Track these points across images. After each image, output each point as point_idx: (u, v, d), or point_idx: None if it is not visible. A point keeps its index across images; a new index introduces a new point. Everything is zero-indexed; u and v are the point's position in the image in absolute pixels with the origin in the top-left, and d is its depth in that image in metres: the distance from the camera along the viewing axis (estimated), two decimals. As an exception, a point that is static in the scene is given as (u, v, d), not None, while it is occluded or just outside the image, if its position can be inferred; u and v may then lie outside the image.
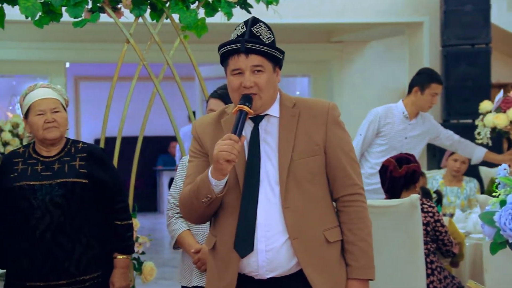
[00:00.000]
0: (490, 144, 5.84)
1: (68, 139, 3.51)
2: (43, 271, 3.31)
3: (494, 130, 5.81)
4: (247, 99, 2.64)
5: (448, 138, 5.78)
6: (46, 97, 3.41)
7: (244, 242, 2.63)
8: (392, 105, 5.60)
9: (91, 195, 3.38)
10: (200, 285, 3.46)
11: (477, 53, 8.42)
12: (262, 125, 2.72)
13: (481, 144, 5.88)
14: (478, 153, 5.86)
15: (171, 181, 12.63)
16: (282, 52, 2.72)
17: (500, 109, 5.81)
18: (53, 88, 3.47)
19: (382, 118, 5.47)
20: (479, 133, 5.83)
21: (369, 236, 2.73)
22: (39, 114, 3.38)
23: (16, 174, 3.38)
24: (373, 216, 4.32)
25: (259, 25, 2.68)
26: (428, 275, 4.50)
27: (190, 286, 3.51)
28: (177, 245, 3.55)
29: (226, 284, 2.67)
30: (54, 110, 3.39)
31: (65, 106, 3.48)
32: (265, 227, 2.63)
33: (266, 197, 2.65)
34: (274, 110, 2.73)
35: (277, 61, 2.70)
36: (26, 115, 3.44)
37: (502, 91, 6.05)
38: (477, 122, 5.93)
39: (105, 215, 3.46)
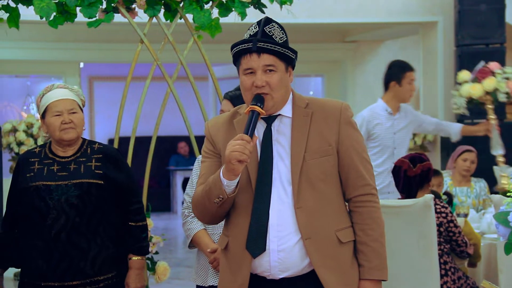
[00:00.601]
0: (467, 113, 5.99)
1: (84, 139, 3.51)
2: (59, 271, 3.32)
3: (471, 101, 5.86)
4: (259, 99, 2.64)
5: (430, 124, 5.91)
6: (63, 98, 3.42)
7: (256, 242, 2.63)
8: (373, 105, 5.65)
9: (107, 196, 3.39)
10: (215, 284, 3.46)
11: (491, 53, 8.37)
12: (275, 125, 2.72)
13: (460, 119, 5.97)
14: (455, 129, 5.99)
15: (184, 181, 12.64)
16: (295, 52, 2.71)
17: (477, 79, 5.85)
18: (70, 89, 3.48)
19: (370, 121, 5.55)
20: (455, 103, 5.91)
21: (381, 237, 2.71)
22: (56, 115, 3.39)
23: (32, 174, 3.40)
24: (386, 216, 4.32)
25: (272, 25, 2.68)
26: (442, 276, 4.49)
27: (206, 286, 3.51)
28: (193, 244, 3.55)
29: (238, 285, 2.67)
30: (71, 111, 3.41)
31: (81, 106, 3.49)
32: (277, 227, 2.63)
33: (279, 197, 2.65)
34: (286, 110, 2.72)
35: (289, 61, 2.70)
36: (43, 115, 3.45)
37: (482, 62, 6.08)
38: (453, 91, 5.98)
39: (120, 216, 3.46)
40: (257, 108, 2.61)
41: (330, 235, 2.65)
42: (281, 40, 2.67)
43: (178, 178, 13.03)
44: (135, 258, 3.50)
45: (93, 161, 3.41)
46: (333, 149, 2.69)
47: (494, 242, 4.95)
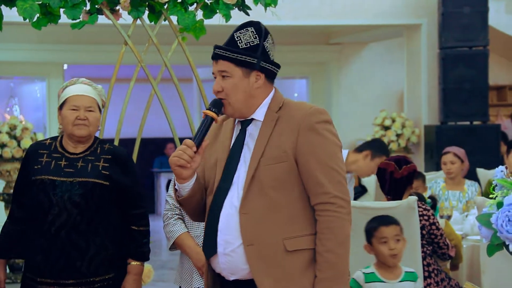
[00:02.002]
0: None
1: (96, 138, 3.51)
2: (55, 269, 3.31)
3: None
4: (215, 104, 2.69)
5: None
6: (83, 94, 3.41)
7: (209, 244, 2.69)
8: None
9: (110, 197, 3.37)
10: (201, 287, 3.46)
11: (474, 55, 8.43)
12: (249, 129, 2.73)
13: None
14: None
15: (168, 182, 12.61)
16: (256, 57, 2.67)
17: None
18: (94, 87, 3.47)
19: None
20: None
21: (338, 247, 2.59)
22: (73, 109, 3.39)
23: (39, 166, 3.39)
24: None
25: (246, 29, 2.70)
26: (425, 278, 4.51)
27: None
28: (174, 246, 3.55)
29: (205, 282, 2.80)
30: (88, 109, 3.40)
31: (101, 107, 3.49)
32: (224, 231, 2.65)
33: (231, 201, 2.67)
34: (259, 114, 2.72)
35: (251, 66, 2.68)
36: (60, 107, 3.44)
37: None
38: None
39: (122, 219, 3.44)
40: (210, 113, 2.66)
41: (276, 243, 2.61)
42: (247, 45, 2.67)
43: (163, 180, 13.00)
44: (134, 263, 3.47)
45: (101, 161, 3.40)
46: (287, 156, 2.63)
47: (477, 244, 4.98)
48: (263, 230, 2.61)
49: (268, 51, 2.71)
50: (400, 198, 4.58)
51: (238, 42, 2.68)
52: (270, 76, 2.74)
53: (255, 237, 2.61)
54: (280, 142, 2.65)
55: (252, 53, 2.67)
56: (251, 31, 2.69)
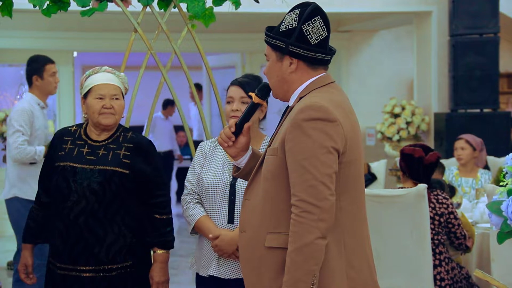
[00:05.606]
0: None
1: (120, 126, 3.53)
2: (73, 255, 3.35)
3: None
4: (261, 88, 2.74)
5: None
6: (108, 82, 3.44)
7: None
8: (24, 103, 5.51)
9: (130, 185, 3.39)
10: (215, 275, 3.43)
11: (485, 43, 8.39)
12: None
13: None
14: None
15: (178, 170, 12.61)
16: (287, 42, 2.57)
17: None
18: (117, 75, 3.49)
19: (31, 116, 5.44)
20: None
21: (293, 252, 2.44)
22: (99, 98, 3.42)
23: (63, 152, 3.44)
24: (380, 206, 4.36)
25: (293, 11, 2.62)
26: (435, 266, 4.51)
27: (206, 275, 3.47)
28: (195, 230, 3.54)
29: None
30: (113, 97, 3.43)
31: (124, 94, 3.52)
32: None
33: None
34: (292, 101, 2.67)
35: (281, 50, 2.60)
36: (85, 95, 3.46)
37: None
38: None
39: (143, 208, 3.46)
40: (253, 96, 2.72)
41: (261, 235, 2.57)
42: (286, 28, 2.60)
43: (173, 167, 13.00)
44: (159, 251, 3.50)
45: (123, 149, 3.43)
46: (277, 150, 2.56)
47: (486, 232, 4.97)
48: (254, 219, 2.61)
49: (308, 34, 2.57)
50: (428, 183, 4.58)
51: (282, 24, 2.62)
52: (312, 62, 2.60)
53: (248, 225, 2.63)
54: (279, 136, 2.61)
55: (285, 37, 2.59)
56: (295, 14, 2.60)
